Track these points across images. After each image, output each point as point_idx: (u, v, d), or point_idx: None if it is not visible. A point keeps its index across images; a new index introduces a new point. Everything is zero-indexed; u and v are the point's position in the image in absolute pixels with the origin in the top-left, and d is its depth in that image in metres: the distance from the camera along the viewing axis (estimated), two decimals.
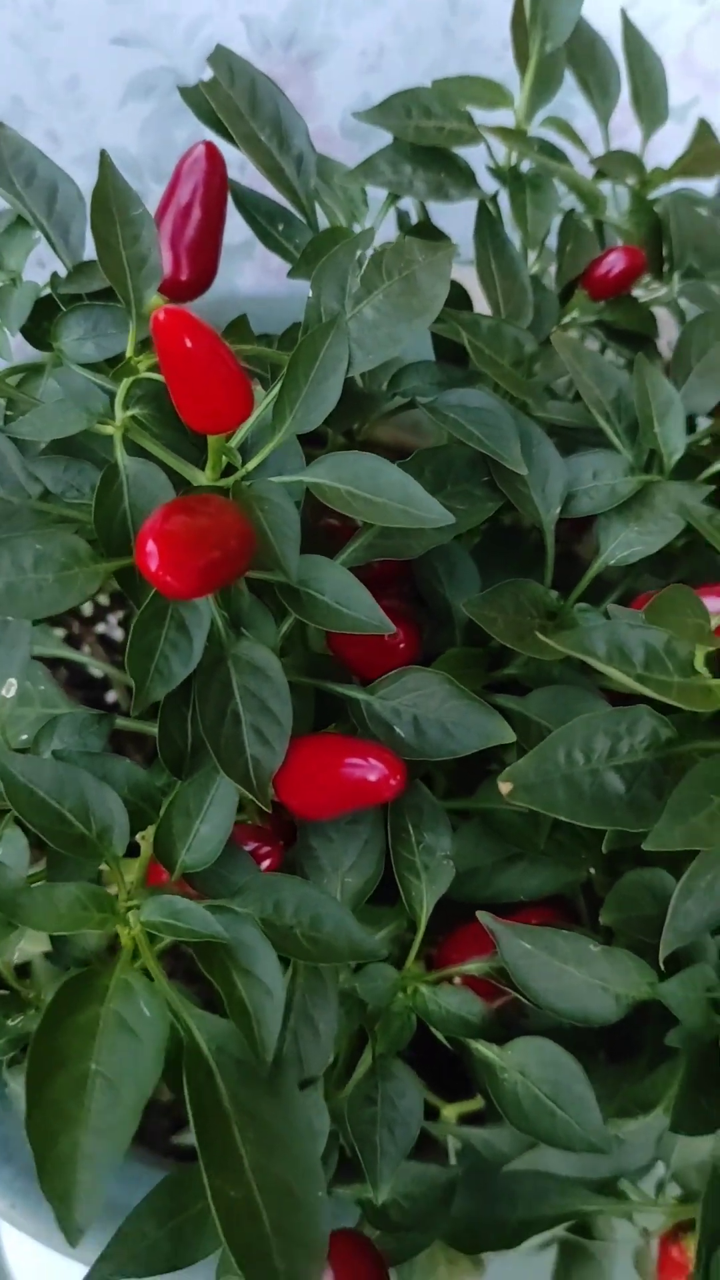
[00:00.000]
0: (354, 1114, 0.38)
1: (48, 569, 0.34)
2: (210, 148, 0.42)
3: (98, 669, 0.55)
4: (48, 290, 0.41)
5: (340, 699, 0.39)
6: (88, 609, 0.63)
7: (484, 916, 0.38)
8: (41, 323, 0.41)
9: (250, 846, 0.38)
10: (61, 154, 0.62)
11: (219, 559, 0.31)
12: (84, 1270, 0.42)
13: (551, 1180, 0.45)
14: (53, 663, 0.56)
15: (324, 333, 0.37)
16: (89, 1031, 0.29)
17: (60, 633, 0.59)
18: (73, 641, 0.58)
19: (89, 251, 0.41)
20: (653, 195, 0.56)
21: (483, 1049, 0.40)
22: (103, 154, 0.38)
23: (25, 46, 0.56)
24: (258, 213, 0.46)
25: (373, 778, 0.35)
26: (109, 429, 0.37)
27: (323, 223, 0.47)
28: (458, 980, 0.42)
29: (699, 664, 0.38)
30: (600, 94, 0.54)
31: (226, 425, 0.34)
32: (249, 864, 0.36)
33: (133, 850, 0.36)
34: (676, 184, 0.56)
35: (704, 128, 0.59)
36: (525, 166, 0.49)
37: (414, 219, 0.52)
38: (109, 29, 0.57)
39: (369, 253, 0.40)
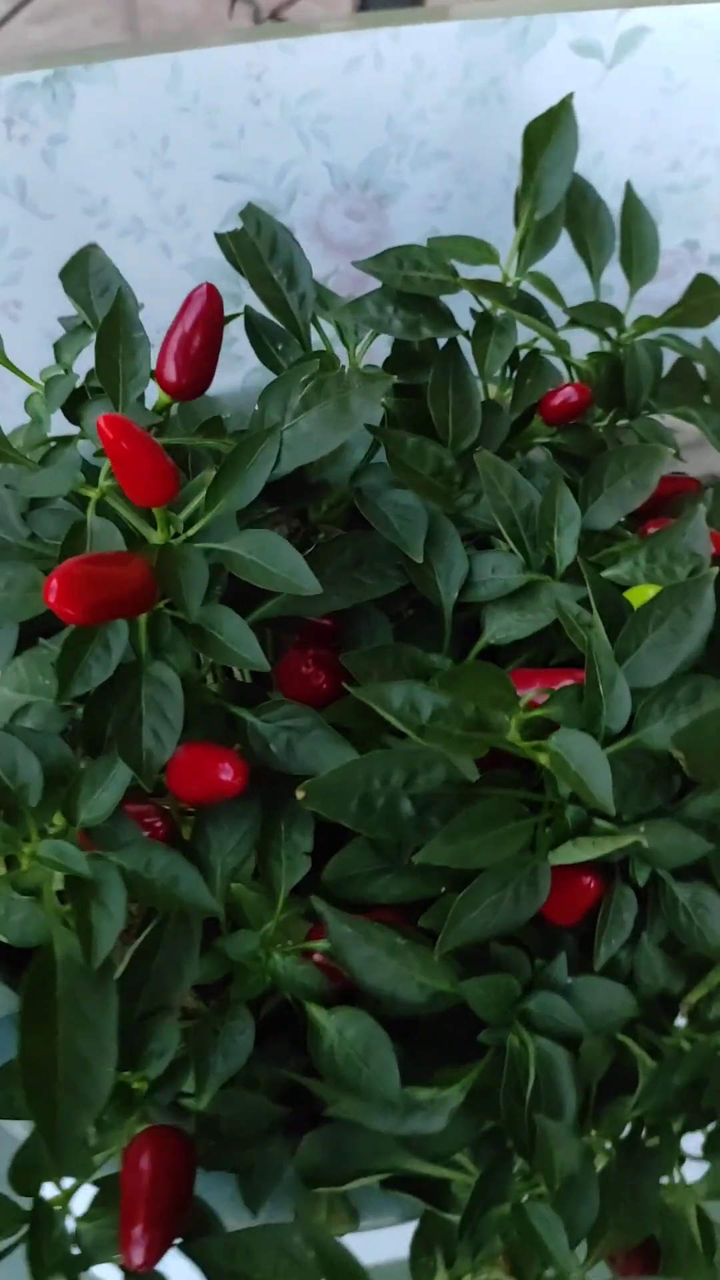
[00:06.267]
0: (199, 1037, 0.49)
1: (16, 591, 0.47)
2: (210, 288, 0.53)
3: None
4: (82, 382, 0.55)
5: (236, 717, 0.50)
6: None
7: (317, 901, 0.48)
8: (77, 406, 0.55)
9: (146, 820, 0.49)
10: (171, 263, 0.76)
11: (106, 599, 0.42)
12: None
13: (383, 1141, 0.54)
14: None
15: (259, 438, 0.48)
16: None
17: None
18: None
19: None
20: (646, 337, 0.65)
21: (314, 1010, 0.49)
22: (119, 289, 0.51)
23: (145, 178, 0.70)
24: (263, 334, 0.57)
25: (225, 777, 0.46)
26: (91, 493, 0.49)
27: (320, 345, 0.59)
28: (316, 957, 0.52)
29: (512, 730, 0.47)
30: (595, 252, 0.64)
31: (156, 501, 0.46)
32: (135, 830, 0.48)
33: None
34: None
35: (702, 281, 0.67)
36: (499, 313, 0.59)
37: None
38: (213, 168, 0.71)
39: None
